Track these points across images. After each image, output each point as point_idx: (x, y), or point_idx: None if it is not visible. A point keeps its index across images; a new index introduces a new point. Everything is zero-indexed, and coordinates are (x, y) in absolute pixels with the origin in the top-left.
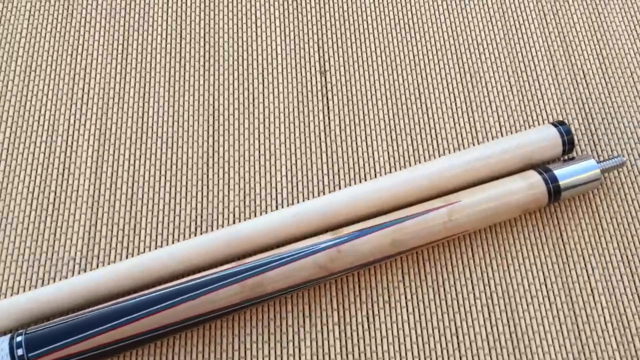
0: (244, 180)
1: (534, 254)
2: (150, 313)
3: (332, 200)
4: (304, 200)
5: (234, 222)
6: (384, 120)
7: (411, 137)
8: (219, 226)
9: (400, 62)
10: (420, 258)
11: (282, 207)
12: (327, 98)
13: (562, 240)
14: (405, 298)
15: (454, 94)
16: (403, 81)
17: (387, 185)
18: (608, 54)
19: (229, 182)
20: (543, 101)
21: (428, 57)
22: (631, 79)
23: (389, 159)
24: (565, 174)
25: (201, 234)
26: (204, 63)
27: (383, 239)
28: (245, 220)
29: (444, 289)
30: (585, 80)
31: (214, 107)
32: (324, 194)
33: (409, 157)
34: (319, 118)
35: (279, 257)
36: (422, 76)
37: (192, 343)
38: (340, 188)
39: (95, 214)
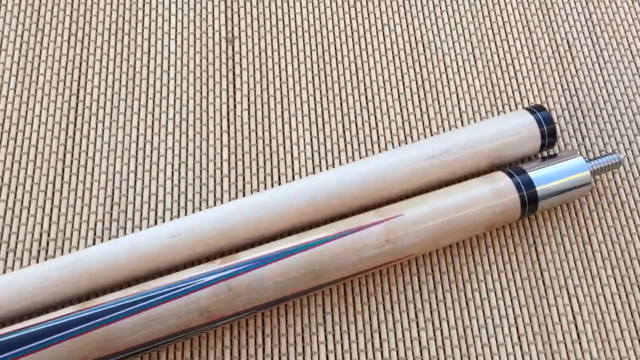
0: (112, 182)
1: (506, 276)
2: None
3: (227, 212)
4: (190, 213)
5: (92, 244)
6: (307, 105)
7: (342, 127)
8: (70, 249)
9: (332, 28)
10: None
11: (161, 221)
12: (234, 73)
13: (538, 255)
14: (356, 328)
15: (401, 71)
16: (334, 54)
17: (304, 192)
18: (597, 24)
19: (85, 182)
20: (518, 81)
21: (369, 22)
22: (629, 51)
23: (311, 155)
24: (545, 176)
25: (45, 260)
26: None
27: (295, 268)
28: (104, 240)
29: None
30: (571, 54)
31: (78, 84)
32: (221, 202)
33: (339, 154)
34: (221, 99)
35: (138, 299)
36: (359, 47)
37: None
38: (243, 195)
39: None
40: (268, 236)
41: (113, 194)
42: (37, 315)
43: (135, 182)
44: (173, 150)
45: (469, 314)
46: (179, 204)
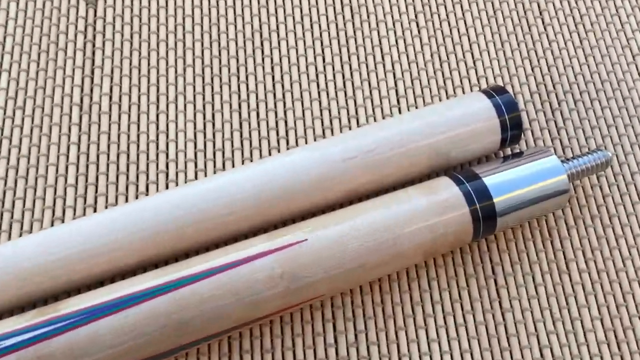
0: None
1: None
2: None
3: (51, 238)
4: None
5: None
6: (183, 87)
7: (238, 117)
8: None
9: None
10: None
11: None
12: (94, 45)
13: (499, 290)
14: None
15: (322, 43)
16: (235, 19)
17: (165, 207)
18: None
19: None
20: (474, 57)
21: None
22: (617, 19)
23: (194, 157)
24: (506, 182)
25: None
26: None
27: (145, 323)
28: None
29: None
30: (542, 21)
31: None
32: (49, 224)
33: (232, 154)
34: (73, 79)
35: None
36: (267, 12)
37: None
38: (84, 213)
39: None
40: (110, 272)
41: None
42: None
43: None
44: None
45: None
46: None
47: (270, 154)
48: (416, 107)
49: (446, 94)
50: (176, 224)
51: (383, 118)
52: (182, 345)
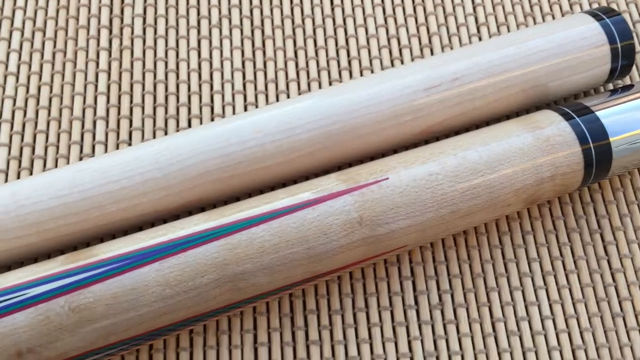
0: None
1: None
2: None
3: (80, 175)
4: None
5: None
6: (227, 9)
7: (288, 43)
8: None
9: None
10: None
11: None
12: None
13: (606, 247)
14: None
15: None
16: None
17: (214, 142)
18: None
19: None
20: None
21: None
22: None
23: (233, 89)
24: (622, 120)
25: None
26: None
27: (196, 272)
28: None
29: None
30: None
31: None
32: (76, 161)
33: (273, 87)
34: None
35: None
36: None
37: None
38: (116, 149)
39: None
40: (154, 213)
41: None
42: None
43: None
44: None
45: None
46: (31, 155)
47: (340, 79)
48: (506, 30)
49: (542, 15)
50: (227, 162)
51: (460, 46)
52: (237, 302)
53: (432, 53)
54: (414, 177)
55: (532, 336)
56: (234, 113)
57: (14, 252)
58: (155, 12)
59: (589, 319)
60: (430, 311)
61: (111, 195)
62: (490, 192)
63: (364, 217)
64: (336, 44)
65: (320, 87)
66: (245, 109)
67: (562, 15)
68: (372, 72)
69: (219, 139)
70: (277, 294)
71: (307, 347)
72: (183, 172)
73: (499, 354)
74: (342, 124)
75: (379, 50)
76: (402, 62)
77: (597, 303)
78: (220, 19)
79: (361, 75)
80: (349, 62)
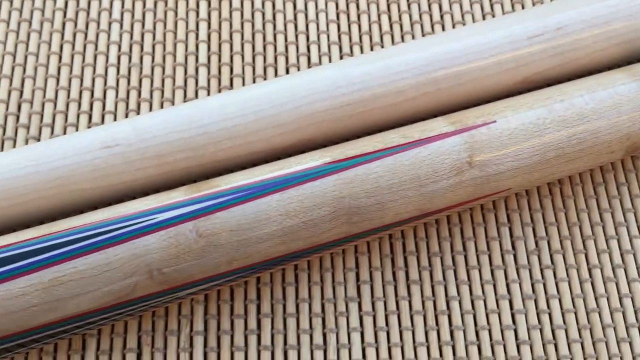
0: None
1: None
2: None
3: (198, 111)
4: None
5: None
6: None
7: None
8: None
9: None
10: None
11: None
12: None
13: None
14: None
15: None
16: None
17: (323, 84)
18: None
19: None
20: None
21: None
22: None
23: (328, 40)
24: None
25: None
26: None
27: (312, 204)
28: None
29: None
30: None
31: None
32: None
33: (367, 39)
34: None
35: (37, 247)
36: None
37: None
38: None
39: None
40: (266, 151)
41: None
42: None
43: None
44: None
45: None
46: (127, 104)
47: (432, 31)
48: None
49: None
50: (335, 104)
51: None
52: (349, 236)
53: (532, 4)
54: (522, 121)
55: (628, 284)
56: (330, 62)
57: (137, 183)
58: None
59: None
60: (528, 256)
61: (227, 131)
62: (596, 138)
63: (474, 157)
64: None
65: (422, 33)
66: (341, 59)
67: None
68: (473, 19)
69: (328, 82)
70: (385, 230)
71: (408, 286)
72: (296, 112)
73: (595, 299)
74: (447, 70)
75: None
76: (502, 11)
77: None
78: None
79: (462, 20)
80: (450, 6)
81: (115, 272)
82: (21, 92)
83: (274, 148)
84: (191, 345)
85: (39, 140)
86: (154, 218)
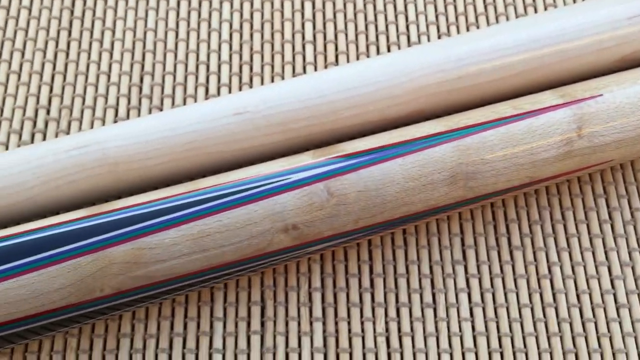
0: (142, 42)
1: None
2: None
3: (320, 80)
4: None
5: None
6: None
7: None
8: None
9: None
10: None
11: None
12: None
13: None
14: None
15: None
16: None
17: (438, 57)
18: None
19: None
20: None
21: None
22: None
23: (434, 19)
24: None
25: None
26: None
27: (432, 169)
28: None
29: None
30: None
31: None
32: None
33: (463, 19)
34: None
35: (182, 202)
36: None
37: None
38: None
39: None
40: (380, 121)
41: (143, 60)
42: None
43: (176, 46)
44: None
45: None
46: (240, 78)
47: (525, 13)
48: None
49: None
50: (445, 76)
51: None
52: (463, 200)
53: None
54: (627, 95)
55: None
56: (428, 41)
57: (264, 148)
58: None
59: None
60: (624, 226)
61: (346, 101)
62: None
63: (582, 129)
64: None
65: (507, 18)
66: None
67: None
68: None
69: (440, 57)
70: (495, 196)
71: (511, 252)
72: (409, 84)
73: None
74: (550, 48)
75: None
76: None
77: None
78: None
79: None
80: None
81: (255, 226)
82: (142, 65)
83: (387, 118)
84: (310, 300)
85: (161, 110)
86: (288, 178)
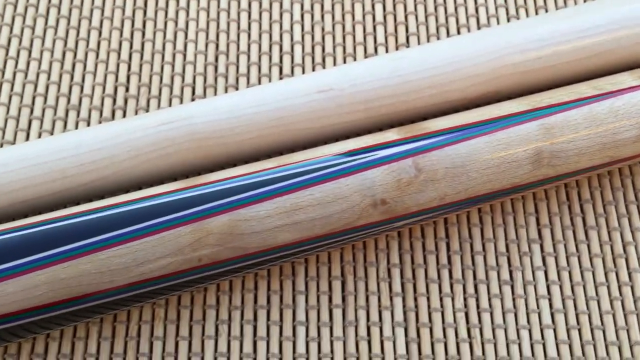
0: (215, 22)
1: None
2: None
3: (400, 61)
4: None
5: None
6: None
7: None
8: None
9: None
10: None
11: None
12: None
13: None
14: None
15: None
16: None
17: (516, 39)
18: None
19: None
20: None
21: None
22: None
23: (503, 2)
24: None
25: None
26: None
27: (521, 145)
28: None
29: None
30: None
31: None
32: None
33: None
34: None
35: (274, 176)
36: None
37: None
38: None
39: None
40: (459, 100)
41: (218, 39)
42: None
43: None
44: None
45: None
46: (313, 58)
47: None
48: None
49: None
50: (524, 58)
51: None
52: (546, 179)
53: None
54: None
55: None
56: (498, 24)
57: (346, 125)
58: None
59: None
60: None
61: (427, 80)
62: None
63: None
64: None
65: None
66: (508, 21)
67: None
68: None
69: (519, 38)
70: (574, 176)
71: (586, 231)
72: (490, 64)
73: None
74: (628, 30)
75: None
76: None
77: None
78: None
79: None
80: None
81: (346, 201)
82: (217, 45)
83: (466, 98)
84: (389, 276)
85: (237, 88)
86: (375, 154)
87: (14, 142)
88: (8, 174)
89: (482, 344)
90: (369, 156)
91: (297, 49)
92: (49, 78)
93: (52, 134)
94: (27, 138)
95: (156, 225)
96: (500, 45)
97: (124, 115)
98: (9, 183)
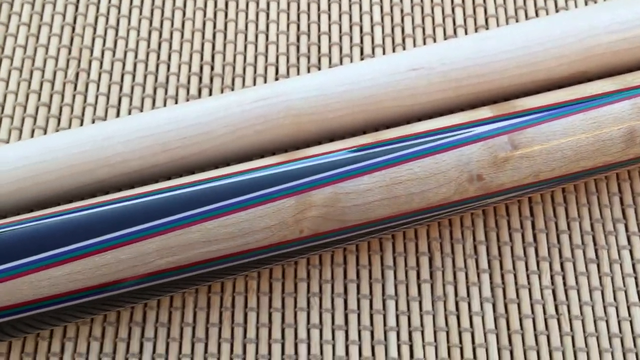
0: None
1: None
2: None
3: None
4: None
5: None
6: None
7: None
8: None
9: None
10: None
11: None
12: None
13: None
14: None
15: None
16: None
17: (601, 20)
18: None
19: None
20: None
21: None
22: None
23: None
24: None
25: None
26: None
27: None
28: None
29: None
30: None
31: None
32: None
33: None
34: None
35: (368, 152)
36: None
37: None
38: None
39: None
40: (546, 80)
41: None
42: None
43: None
44: None
45: None
46: (393, 39)
47: None
48: None
49: None
50: (611, 39)
51: None
52: (635, 158)
53: None
54: None
55: None
56: (576, 6)
57: (436, 104)
58: None
59: None
60: None
61: (514, 60)
62: None
63: None
64: None
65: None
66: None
67: None
68: None
69: (606, 19)
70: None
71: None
72: (577, 45)
73: None
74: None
75: None
76: None
77: None
78: None
79: None
80: None
81: (443, 176)
82: (298, 26)
83: (553, 78)
84: (476, 253)
85: (319, 68)
86: (471, 131)
87: (105, 119)
88: (115, 146)
89: (570, 320)
90: (464, 133)
91: (377, 30)
92: (136, 57)
93: (141, 110)
94: (118, 114)
95: (261, 197)
96: (588, 26)
97: (210, 93)
98: (113, 155)
